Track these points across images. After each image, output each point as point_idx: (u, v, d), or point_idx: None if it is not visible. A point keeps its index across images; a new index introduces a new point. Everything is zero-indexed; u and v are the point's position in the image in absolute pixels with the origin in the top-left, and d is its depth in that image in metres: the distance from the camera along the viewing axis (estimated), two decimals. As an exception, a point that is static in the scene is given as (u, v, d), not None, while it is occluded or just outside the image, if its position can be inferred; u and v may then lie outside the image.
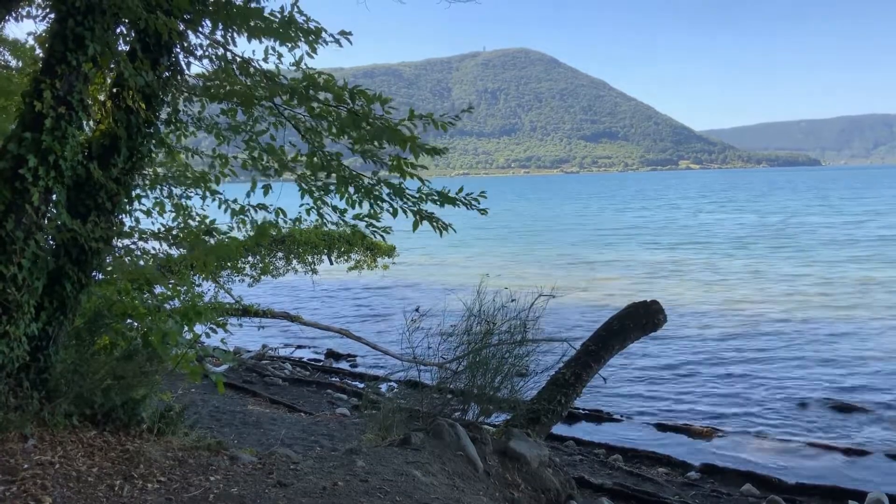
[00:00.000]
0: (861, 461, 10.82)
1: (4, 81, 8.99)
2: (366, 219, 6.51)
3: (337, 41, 5.56)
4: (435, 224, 6.13)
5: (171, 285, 7.91)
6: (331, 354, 18.42)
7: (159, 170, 7.61)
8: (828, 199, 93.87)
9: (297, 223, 7.31)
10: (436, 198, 6.02)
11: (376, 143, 5.96)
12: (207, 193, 7.37)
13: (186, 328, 6.58)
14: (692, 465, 10.66)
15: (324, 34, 5.55)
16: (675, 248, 42.11)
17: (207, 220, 7.57)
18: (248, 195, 7.09)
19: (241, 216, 7.25)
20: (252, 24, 5.42)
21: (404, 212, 6.09)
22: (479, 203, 6.03)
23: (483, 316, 8.16)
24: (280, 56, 5.92)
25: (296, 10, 5.50)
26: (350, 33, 5.54)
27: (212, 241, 7.46)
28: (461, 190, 6.01)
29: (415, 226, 6.07)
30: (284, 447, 7.31)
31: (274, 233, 9.54)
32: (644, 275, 31.50)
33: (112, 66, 5.45)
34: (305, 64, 5.88)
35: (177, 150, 7.35)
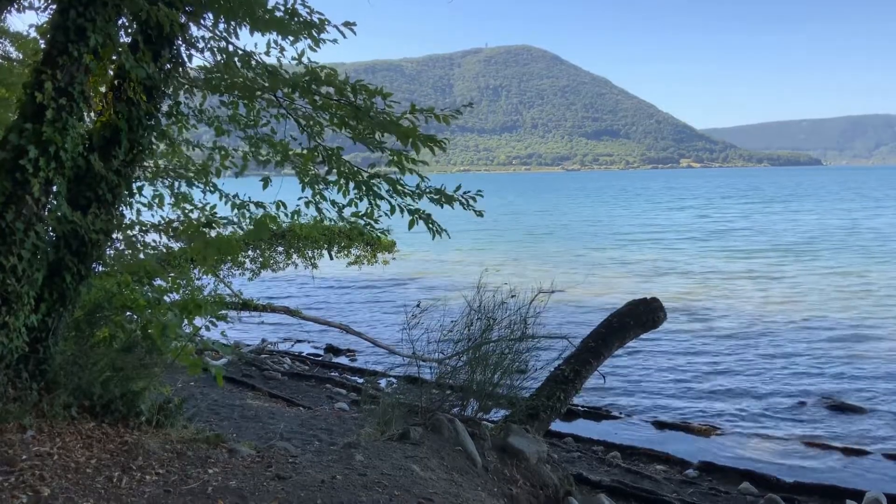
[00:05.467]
0: (859, 461, 10.82)
1: (6, 73, 8.98)
2: (364, 218, 6.52)
3: (340, 32, 5.54)
4: (430, 226, 6.11)
5: (170, 278, 7.90)
6: (330, 349, 18.42)
7: (160, 162, 7.61)
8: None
9: (297, 216, 7.30)
10: (433, 195, 6.01)
11: (377, 136, 5.96)
12: (208, 187, 7.36)
13: (186, 321, 6.57)
14: (690, 463, 10.66)
15: (327, 26, 5.53)
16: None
17: (208, 209, 7.56)
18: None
19: (242, 210, 7.25)
20: (255, 15, 5.40)
21: (401, 210, 6.08)
22: (475, 202, 6.01)
23: (483, 312, 8.14)
24: (282, 49, 5.91)
25: (299, 2, 5.49)
26: (354, 24, 5.51)
27: (212, 234, 7.46)
28: (458, 188, 6.00)
29: (410, 224, 6.06)
30: (283, 441, 7.31)
31: (274, 227, 9.54)
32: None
33: (114, 57, 5.44)
34: (308, 57, 5.87)
35: (178, 143, 7.34)
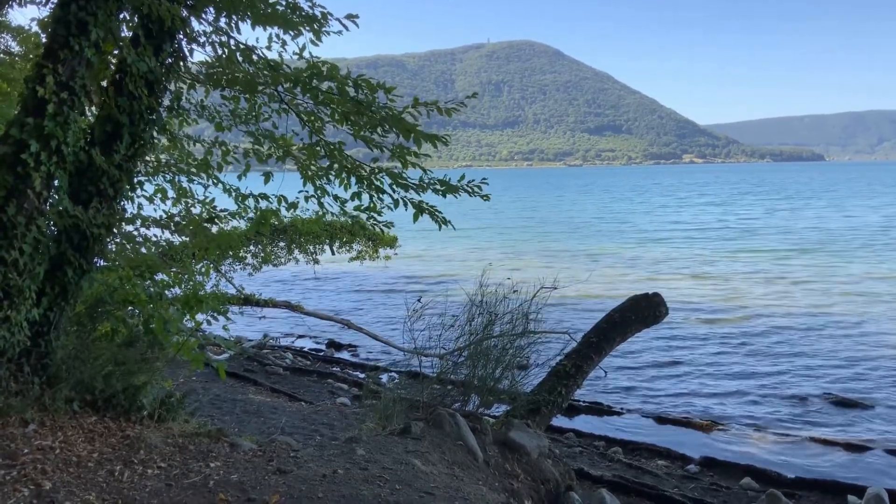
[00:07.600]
0: (861, 456, 10.82)
1: (7, 67, 8.99)
2: (367, 211, 6.52)
3: (344, 26, 5.53)
4: (435, 217, 6.13)
5: (172, 273, 7.90)
6: (332, 344, 18.44)
7: (162, 157, 7.61)
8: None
9: (294, 209, 7.30)
10: (438, 187, 6.02)
11: (379, 132, 5.95)
12: (210, 181, 7.36)
13: (188, 316, 6.58)
14: (692, 458, 10.66)
15: (329, 19, 5.51)
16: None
17: (210, 205, 7.57)
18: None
19: (244, 203, 7.25)
20: (257, 10, 5.39)
21: (405, 204, 6.09)
22: (480, 190, 6.04)
23: (485, 307, 8.14)
24: (284, 44, 5.90)
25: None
26: (356, 16, 5.49)
27: (213, 229, 7.46)
28: (462, 178, 6.02)
29: (415, 217, 6.07)
30: (285, 435, 7.32)
31: (276, 222, 9.54)
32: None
33: (115, 51, 5.43)
34: (310, 52, 5.87)
35: (179, 138, 7.34)
